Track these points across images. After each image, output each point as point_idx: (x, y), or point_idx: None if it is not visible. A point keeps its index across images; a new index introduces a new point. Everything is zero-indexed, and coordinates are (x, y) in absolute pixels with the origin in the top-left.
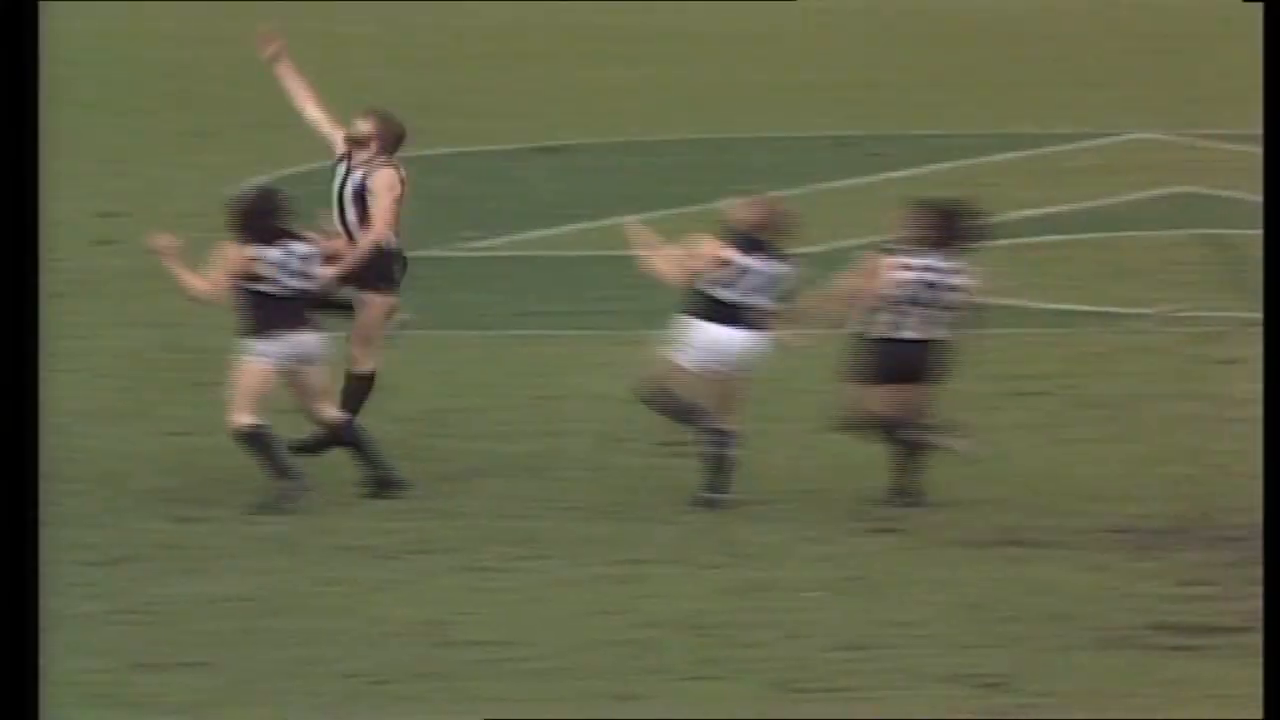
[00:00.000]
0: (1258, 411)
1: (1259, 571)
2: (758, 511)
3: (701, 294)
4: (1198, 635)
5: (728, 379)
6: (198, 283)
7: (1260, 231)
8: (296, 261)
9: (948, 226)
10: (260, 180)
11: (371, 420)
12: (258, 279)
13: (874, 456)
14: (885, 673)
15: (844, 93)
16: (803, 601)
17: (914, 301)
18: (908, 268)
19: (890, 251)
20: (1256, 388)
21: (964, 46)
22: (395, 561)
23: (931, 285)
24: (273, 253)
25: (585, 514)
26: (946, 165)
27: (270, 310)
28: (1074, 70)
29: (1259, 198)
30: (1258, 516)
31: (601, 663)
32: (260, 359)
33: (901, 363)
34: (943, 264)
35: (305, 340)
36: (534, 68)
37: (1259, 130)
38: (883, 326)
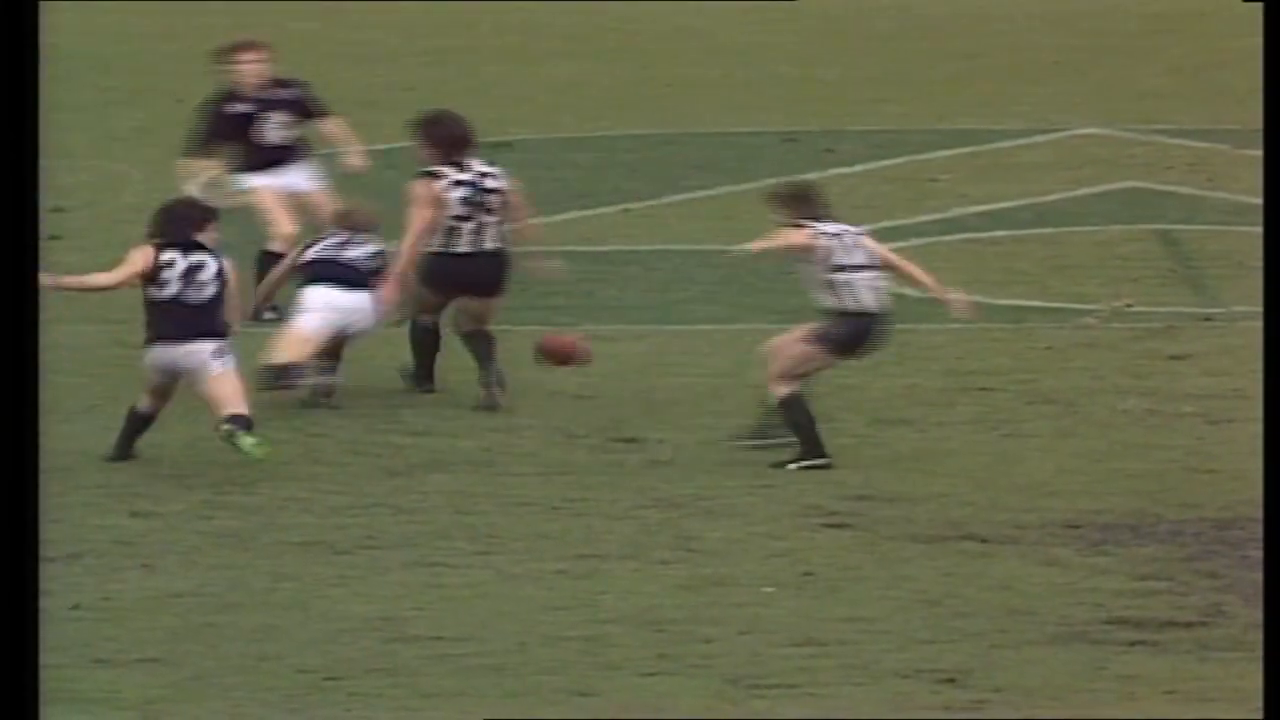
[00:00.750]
0: (1208, 406)
1: (1213, 565)
2: (712, 507)
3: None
4: (1153, 630)
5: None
6: (100, 279)
7: (1207, 226)
8: (197, 273)
9: (452, 138)
10: (209, 177)
11: (324, 416)
12: (160, 284)
13: (831, 452)
14: (840, 668)
15: (793, 89)
16: (758, 597)
17: (464, 217)
18: (455, 185)
19: (434, 175)
20: (1205, 382)
21: (911, 42)
22: (349, 557)
23: (473, 196)
24: (180, 262)
25: (539, 510)
26: (895, 160)
27: (160, 317)
28: (1020, 66)
29: (1204, 192)
30: (1210, 511)
31: (556, 658)
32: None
33: (461, 274)
34: (477, 174)
35: (192, 350)
36: (482, 63)
37: (1204, 125)
38: (442, 242)
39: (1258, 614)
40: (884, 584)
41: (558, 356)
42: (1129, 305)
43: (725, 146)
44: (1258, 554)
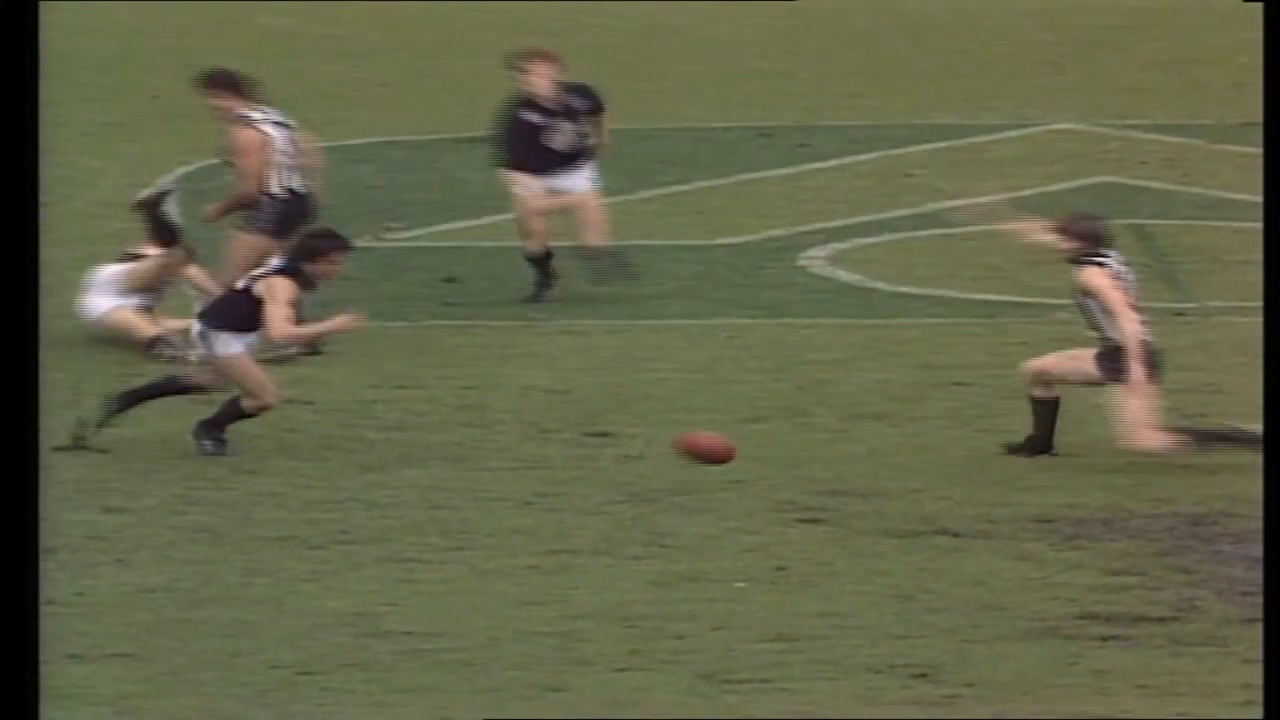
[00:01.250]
0: (1181, 401)
1: (1186, 560)
2: (685, 503)
3: None
4: (1125, 625)
5: None
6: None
7: (1178, 222)
8: None
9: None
10: (181, 172)
11: (297, 411)
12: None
13: (804, 448)
14: (813, 663)
15: (769, 83)
16: (730, 592)
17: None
18: (272, 128)
19: (251, 123)
20: (1179, 377)
21: (887, 37)
22: (322, 552)
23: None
24: None
25: (512, 505)
26: (871, 155)
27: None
28: (997, 61)
29: (1179, 187)
30: (1182, 506)
31: (528, 654)
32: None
33: (296, 212)
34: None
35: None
36: (457, 58)
37: (1180, 120)
38: (275, 185)
39: (1230, 609)
40: (856, 579)
41: (704, 454)
42: None
43: (700, 142)
44: (1230, 549)
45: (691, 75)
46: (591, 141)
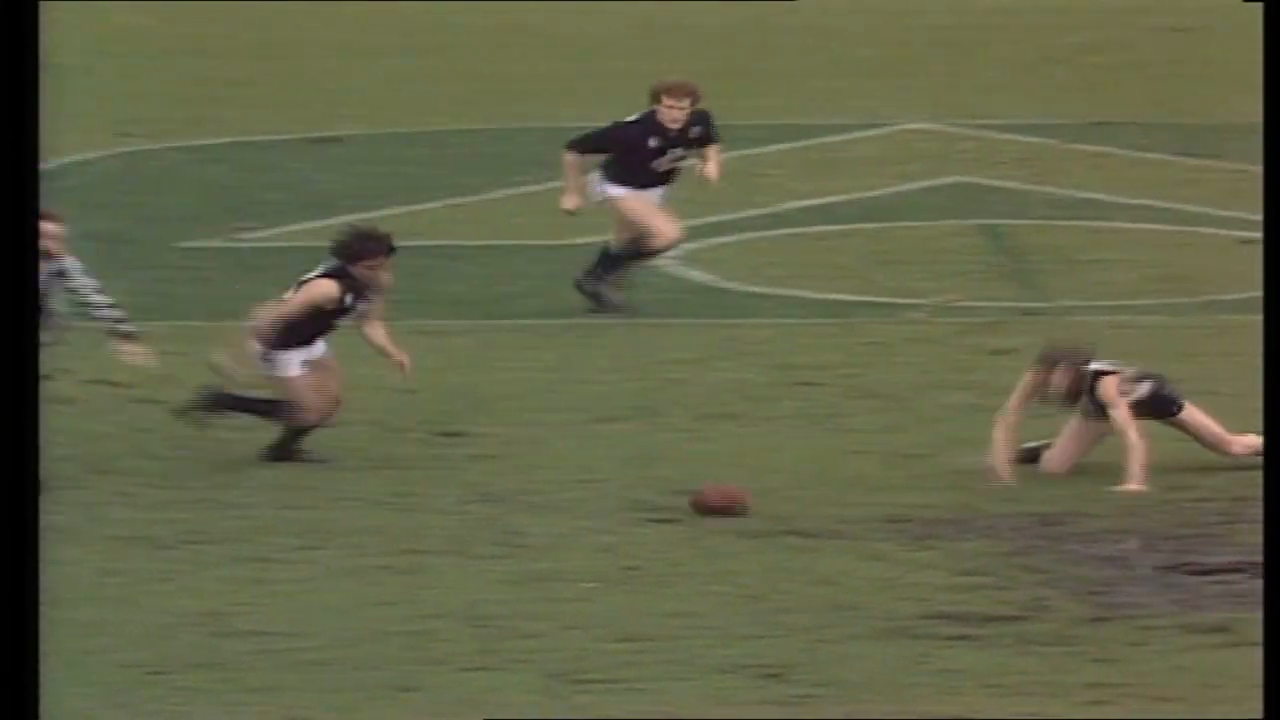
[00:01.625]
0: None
1: (1035, 560)
2: (536, 502)
3: None
4: (975, 625)
5: None
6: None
7: (1031, 221)
8: None
9: None
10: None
11: (149, 411)
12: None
13: (657, 448)
14: (664, 663)
15: (624, 83)
16: (581, 592)
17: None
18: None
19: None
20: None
21: (741, 36)
22: (174, 552)
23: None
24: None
25: (364, 504)
26: (726, 155)
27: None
28: (850, 61)
29: (1032, 187)
30: (1032, 506)
31: (380, 654)
32: None
33: None
34: None
35: None
36: (308, 58)
37: (1033, 120)
38: None
39: (1079, 608)
40: (708, 579)
41: (717, 507)
42: (955, 300)
43: (555, 142)
44: (1079, 548)
45: (549, 75)
46: (689, 164)
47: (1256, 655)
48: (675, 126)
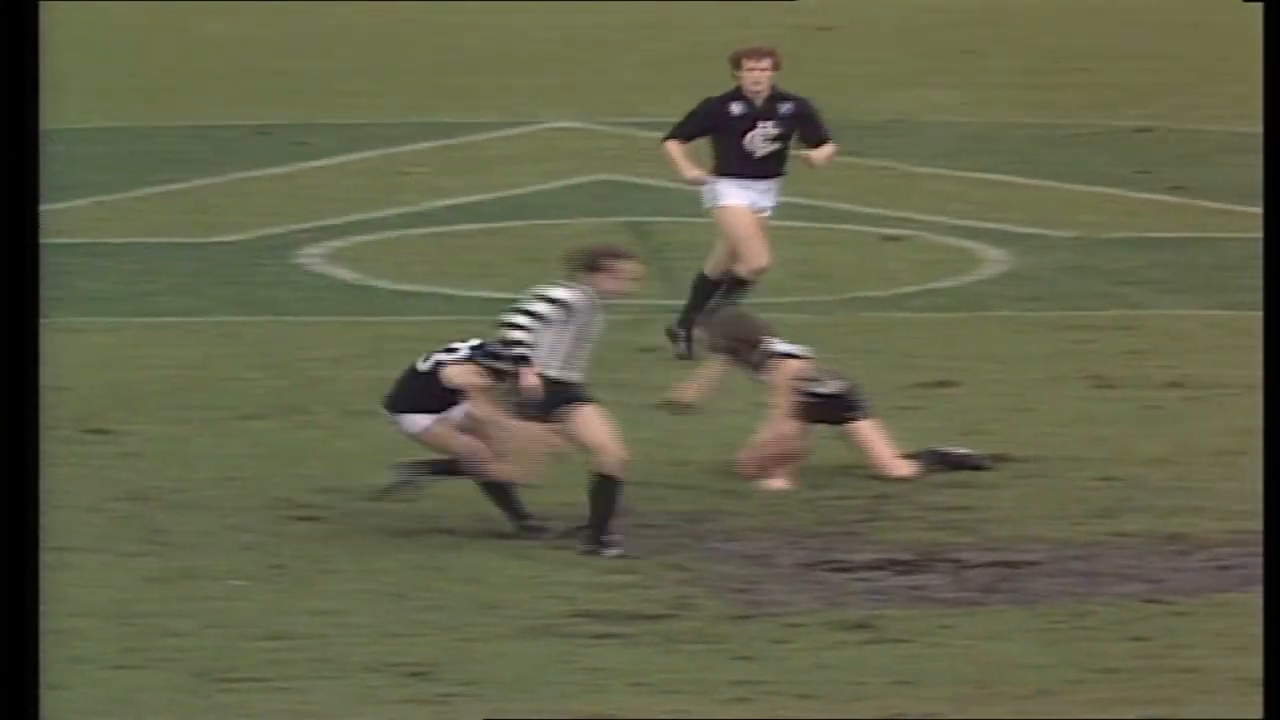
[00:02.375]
0: (668, 395)
1: (680, 558)
2: (182, 500)
3: None
4: (620, 623)
5: None
6: None
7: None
8: None
9: None
10: None
11: None
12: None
13: (302, 445)
14: (310, 662)
15: (266, 81)
16: (227, 590)
17: None
18: None
19: None
20: (676, 375)
21: (386, 35)
22: None
23: None
24: None
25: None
26: (369, 154)
27: None
28: (496, 59)
29: (676, 185)
30: (676, 504)
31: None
32: None
33: None
34: None
35: None
36: None
37: (677, 118)
38: None
39: (722, 605)
40: (354, 577)
41: (773, 461)
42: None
43: (198, 139)
44: (723, 546)
45: (190, 73)
46: (784, 156)
47: (899, 651)
48: (758, 89)
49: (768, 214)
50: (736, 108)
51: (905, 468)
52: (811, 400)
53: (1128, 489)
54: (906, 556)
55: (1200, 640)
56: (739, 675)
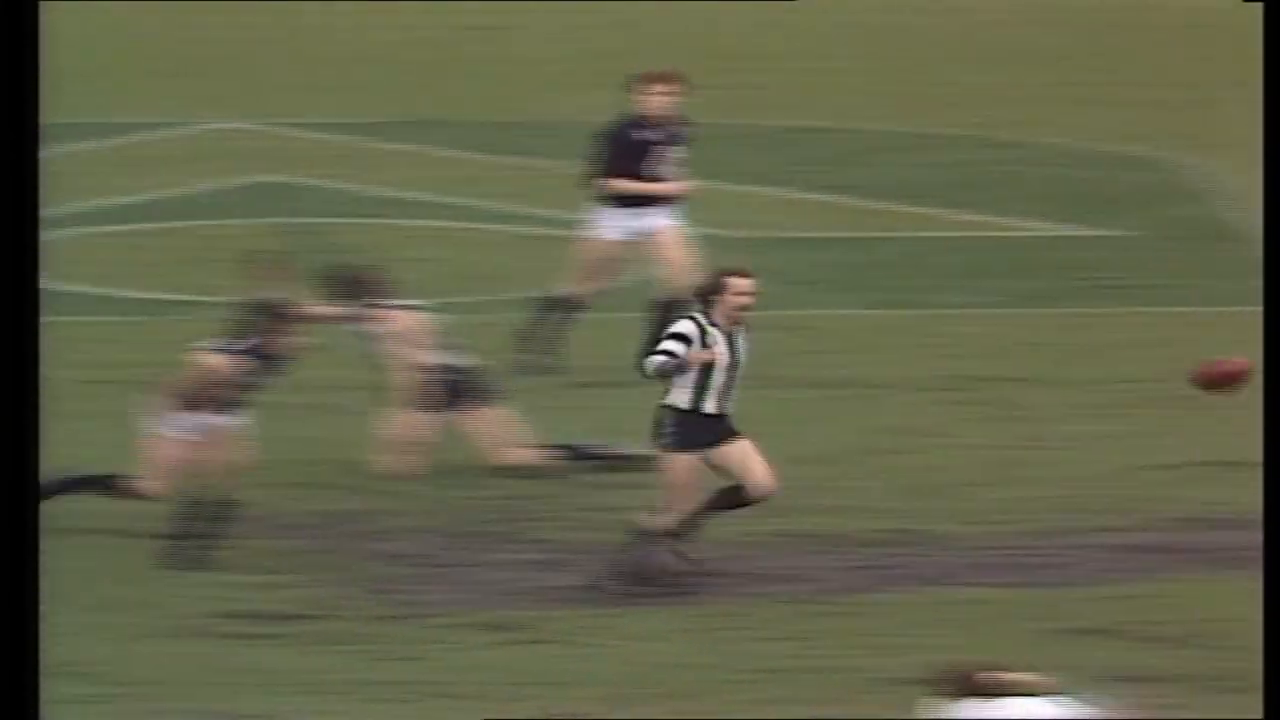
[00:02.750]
0: (335, 398)
1: (333, 559)
2: None
3: None
4: (274, 623)
5: None
6: None
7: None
8: None
9: None
10: None
11: None
12: None
13: None
14: None
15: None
16: None
17: None
18: None
19: None
20: (338, 374)
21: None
22: None
23: None
24: None
25: None
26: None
27: None
28: (158, 60)
29: (343, 186)
30: (332, 504)
31: None
32: None
33: None
34: None
35: None
36: None
37: (339, 119)
38: None
39: (378, 606)
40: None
41: (1223, 380)
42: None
43: None
44: (377, 545)
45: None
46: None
47: (555, 651)
48: (663, 115)
49: (665, 232)
50: (647, 133)
51: (526, 455)
52: (435, 378)
53: (785, 489)
54: (560, 555)
55: (855, 640)
56: (396, 675)
